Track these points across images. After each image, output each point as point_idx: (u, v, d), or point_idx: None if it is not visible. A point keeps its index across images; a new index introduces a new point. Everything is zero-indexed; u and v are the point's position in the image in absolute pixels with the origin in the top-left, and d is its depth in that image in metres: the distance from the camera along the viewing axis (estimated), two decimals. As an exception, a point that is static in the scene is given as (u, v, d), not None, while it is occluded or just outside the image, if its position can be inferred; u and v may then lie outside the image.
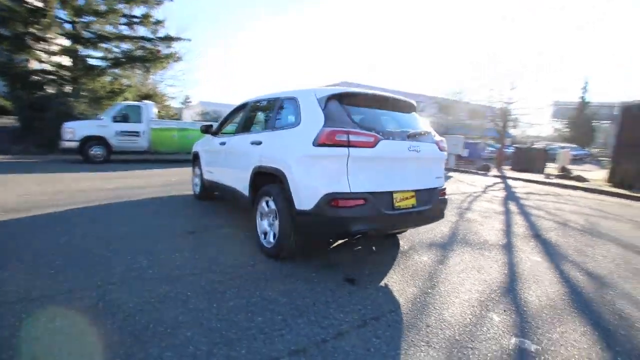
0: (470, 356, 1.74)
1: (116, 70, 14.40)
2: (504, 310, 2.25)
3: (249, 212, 4.28)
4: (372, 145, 2.41)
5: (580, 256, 3.47)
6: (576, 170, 14.65)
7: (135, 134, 9.84)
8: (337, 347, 1.73)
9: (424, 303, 2.28)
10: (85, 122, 9.68)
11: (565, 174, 12.70)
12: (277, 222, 2.72)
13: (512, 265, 3.08)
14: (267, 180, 2.95)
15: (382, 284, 2.55)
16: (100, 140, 9.29)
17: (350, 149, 2.34)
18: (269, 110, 3.27)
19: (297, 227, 2.57)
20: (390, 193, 2.56)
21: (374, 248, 3.33)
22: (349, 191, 2.36)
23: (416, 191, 2.75)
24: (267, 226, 2.93)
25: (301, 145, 2.52)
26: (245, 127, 3.73)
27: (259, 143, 3.04)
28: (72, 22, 13.19)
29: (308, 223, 2.47)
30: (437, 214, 2.97)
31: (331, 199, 2.33)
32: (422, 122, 3.10)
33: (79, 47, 13.49)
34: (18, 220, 3.64)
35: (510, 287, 2.62)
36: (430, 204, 2.84)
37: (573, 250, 3.63)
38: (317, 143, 2.38)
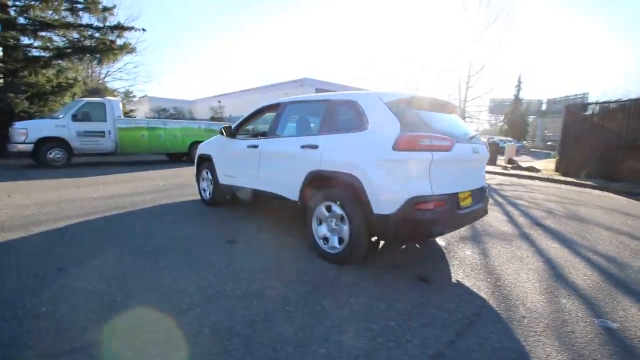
0: (576, 339, 1.93)
1: (61, 62, 12.76)
2: (568, 295, 2.50)
3: (279, 215, 4.20)
4: (450, 148, 2.52)
5: (586, 241, 3.94)
6: (519, 161, 16.45)
7: (100, 134, 8.89)
8: (468, 347, 1.81)
9: (503, 295, 2.45)
10: (40, 122, 8.51)
11: (515, 165, 14.18)
12: (345, 227, 2.71)
13: (543, 253, 3.42)
14: (325, 184, 2.91)
15: (453, 280, 2.69)
16: (59, 142, 8.23)
17: (434, 152, 2.42)
18: (317, 113, 3.20)
19: (373, 232, 2.59)
20: (457, 194, 2.70)
21: (417, 246, 3.46)
22: (432, 194, 2.44)
23: (471, 191, 2.92)
24: (327, 231, 2.89)
25: (376, 150, 2.53)
26: (282, 130, 3.60)
27: (315, 147, 2.97)
28: (4, 6, 11.40)
29: (389, 227, 2.49)
30: (485, 211, 3.18)
31: (416, 202, 2.39)
32: (465, 123, 3.28)
33: (14, 35, 11.69)
34: (13, 242, 3.11)
35: (556, 273, 2.91)
36: (482, 202, 3.04)
37: (577, 237, 4.11)
38: (399, 147, 2.41)
